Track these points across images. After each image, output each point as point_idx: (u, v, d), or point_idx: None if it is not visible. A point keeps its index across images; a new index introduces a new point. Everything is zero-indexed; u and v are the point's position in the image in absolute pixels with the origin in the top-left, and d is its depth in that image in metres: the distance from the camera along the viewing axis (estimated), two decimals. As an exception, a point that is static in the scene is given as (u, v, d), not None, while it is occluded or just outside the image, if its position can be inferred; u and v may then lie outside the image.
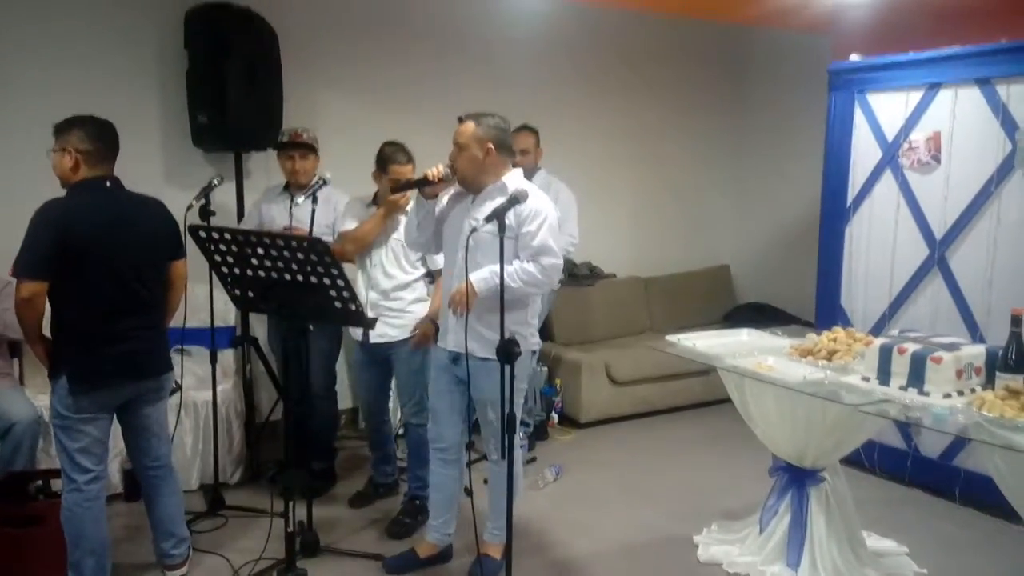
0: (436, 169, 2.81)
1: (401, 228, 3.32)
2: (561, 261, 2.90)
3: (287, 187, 3.79)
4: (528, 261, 2.78)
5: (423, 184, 2.84)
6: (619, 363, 4.91)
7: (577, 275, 5.41)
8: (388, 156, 3.36)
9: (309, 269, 2.37)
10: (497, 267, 2.58)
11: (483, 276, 2.71)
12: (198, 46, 4.07)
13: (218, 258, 2.46)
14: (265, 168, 4.41)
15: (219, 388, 3.72)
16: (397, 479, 3.85)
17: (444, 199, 2.99)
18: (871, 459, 3.97)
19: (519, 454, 3.11)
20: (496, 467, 2.96)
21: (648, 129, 5.81)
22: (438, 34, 4.93)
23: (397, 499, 3.70)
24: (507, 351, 2.51)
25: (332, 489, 3.90)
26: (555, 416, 4.90)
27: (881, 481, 3.96)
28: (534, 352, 3.10)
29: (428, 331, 3.29)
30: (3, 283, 2.70)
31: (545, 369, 4.95)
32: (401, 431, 3.88)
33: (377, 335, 3.39)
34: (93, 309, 2.67)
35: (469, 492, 3.17)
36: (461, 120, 2.87)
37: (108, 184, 2.75)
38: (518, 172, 2.95)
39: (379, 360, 3.52)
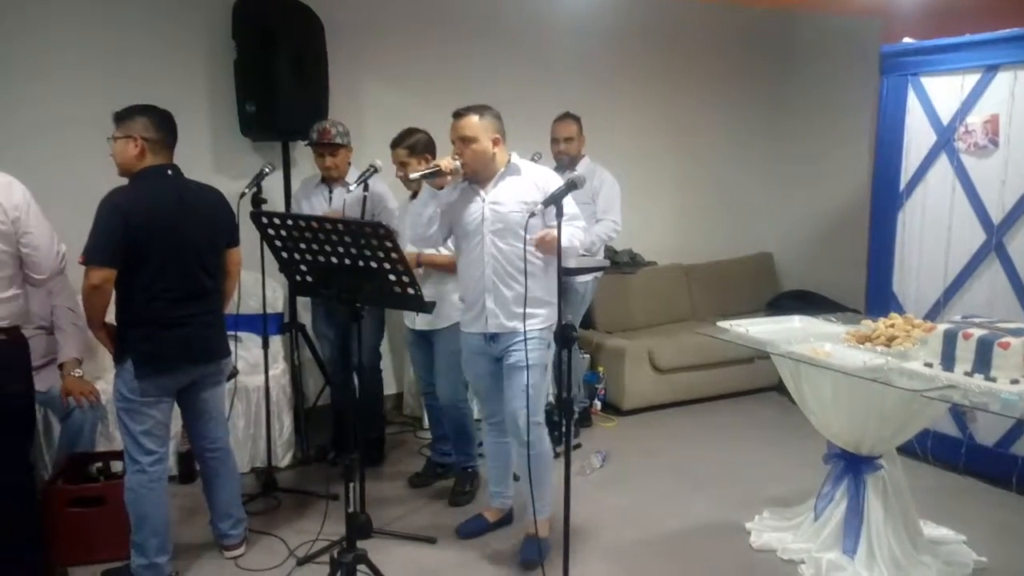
0: (448, 161, 2.87)
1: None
2: (588, 238, 3.13)
3: (324, 179, 3.83)
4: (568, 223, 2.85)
5: (436, 175, 2.89)
6: (662, 350, 4.89)
7: (619, 262, 5.39)
8: (390, 143, 3.48)
9: (369, 254, 2.38)
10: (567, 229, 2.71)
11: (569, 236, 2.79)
12: (246, 36, 4.11)
13: (279, 243, 2.48)
14: (311, 158, 4.40)
15: (270, 373, 3.77)
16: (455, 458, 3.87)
17: (444, 195, 3.03)
18: (924, 447, 3.91)
19: (545, 432, 3.07)
20: (522, 449, 2.96)
21: (691, 116, 5.75)
22: (483, 26, 4.92)
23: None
24: (564, 335, 2.53)
25: (383, 462, 4.04)
26: (598, 403, 4.89)
27: (935, 469, 3.91)
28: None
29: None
30: (53, 274, 2.77)
31: (588, 356, 4.95)
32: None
33: (422, 323, 3.50)
34: (158, 295, 2.72)
35: (517, 478, 3.30)
36: (460, 114, 2.91)
37: (170, 172, 2.80)
38: (516, 155, 3.02)
39: (427, 342, 3.61)
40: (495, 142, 2.92)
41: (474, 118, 2.88)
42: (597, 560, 3.15)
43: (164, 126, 2.79)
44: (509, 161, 2.97)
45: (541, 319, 2.95)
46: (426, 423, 4.18)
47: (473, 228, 2.96)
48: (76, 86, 3.99)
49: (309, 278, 2.58)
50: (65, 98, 3.97)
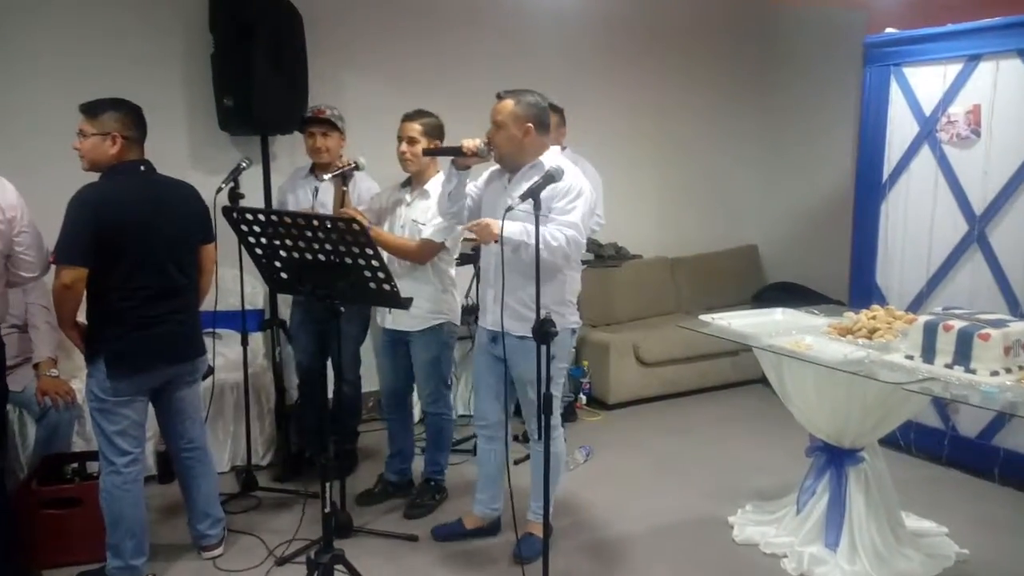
0: (472, 142, 2.80)
1: (424, 214, 3.27)
2: (584, 240, 2.86)
3: (312, 169, 3.75)
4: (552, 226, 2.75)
5: (456, 153, 2.83)
6: (647, 344, 4.87)
7: (603, 256, 5.35)
8: (404, 115, 3.33)
9: (343, 249, 2.35)
10: (528, 226, 2.53)
11: (515, 228, 2.62)
12: (223, 29, 4.03)
13: (252, 240, 2.45)
14: (291, 151, 4.38)
15: (249, 371, 3.73)
16: (411, 477, 3.65)
17: (482, 177, 2.97)
18: (907, 439, 3.91)
19: (560, 434, 3.11)
20: (538, 447, 2.94)
21: (675, 106, 5.72)
22: (465, 16, 4.86)
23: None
24: (543, 331, 2.49)
25: (355, 470, 3.90)
26: (583, 397, 4.88)
27: (918, 461, 3.91)
28: (574, 331, 3.06)
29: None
30: (42, 274, 2.73)
31: (573, 350, 4.92)
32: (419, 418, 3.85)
33: (394, 322, 3.36)
34: (130, 293, 2.68)
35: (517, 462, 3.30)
36: (500, 97, 2.84)
37: (143, 168, 2.75)
38: (556, 150, 2.93)
39: (400, 343, 3.43)
40: (526, 132, 2.80)
41: (509, 103, 2.80)
42: (579, 555, 3.13)
43: (140, 122, 2.74)
44: (540, 157, 2.84)
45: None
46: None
47: (495, 218, 2.82)
48: (47, 81, 3.91)
49: (284, 275, 2.54)
50: (35, 93, 3.89)
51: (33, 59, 3.91)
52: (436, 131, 3.33)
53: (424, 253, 3.26)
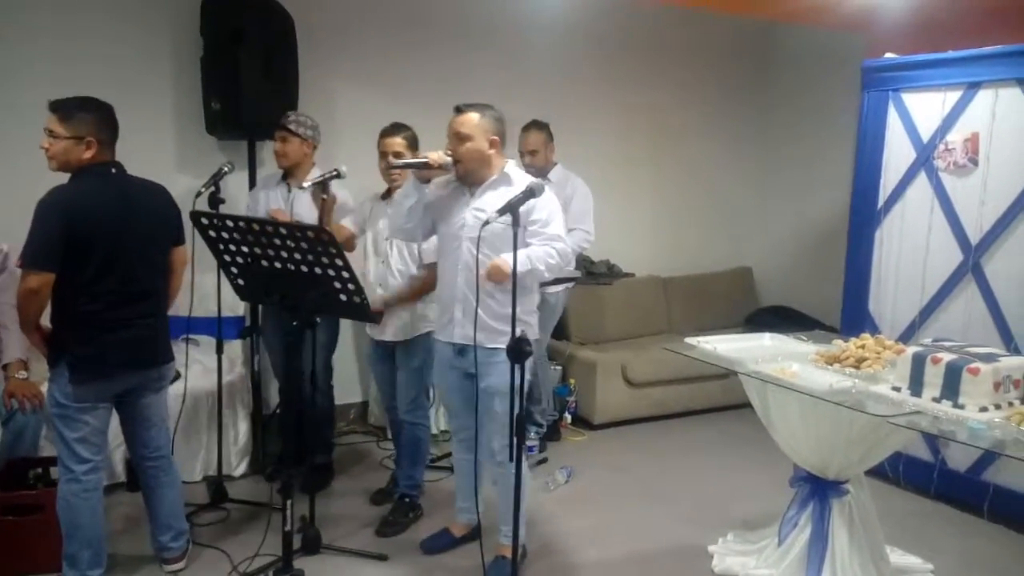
0: (438, 155, 2.76)
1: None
2: (569, 248, 2.91)
3: (285, 177, 3.68)
4: (544, 243, 2.77)
5: (422, 166, 2.78)
6: (636, 364, 4.79)
7: (595, 273, 5.29)
8: (383, 131, 3.32)
9: (312, 259, 2.28)
10: (528, 251, 2.65)
11: (520, 260, 2.61)
12: (214, 32, 3.99)
13: (220, 246, 2.38)
14: (278, 157, 4.33)
15: (226, 379, 3.65)
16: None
17: (433, 189, 2.92)
18: (896, 470, 3.82)
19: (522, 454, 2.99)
20: (502, 468, 2.85)
21: (671, 125, 5.67)
22: (457, 26, 4.83)
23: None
24: (518, 350, 2.42)
25: (330, 485, 3.81)
26: (568, 416, 4.79)
27: (905, 494, 3.82)
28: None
29: (376, 303, 3.19)
30: None
31: (559, 368, 4.84)
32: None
33: (382, 332, 3.36)
34: (96, 297, 2.61)
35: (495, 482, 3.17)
36: (461, 110, 2.81)
37: (113, 170, 2.68)
38: (513, 163, 2.91)
39: (389, 355, 3.46)
40: (492, 144, 2.81)
41: (474, 116, 2.78)
42: (552, 582, 3.04)
43: (113, 123, 2.68)
44: (504, 169, 2.86)
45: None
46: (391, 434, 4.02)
47: (455, 231, 2.85)
48: (33, 79, 3.85)
49: (251, 283, 2.47)
50: (20, 92, 3.82)
51: (19, 57, 3.86)
52: (415, 143, 3.34)
53: (433, 281, 3.20)
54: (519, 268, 2.57)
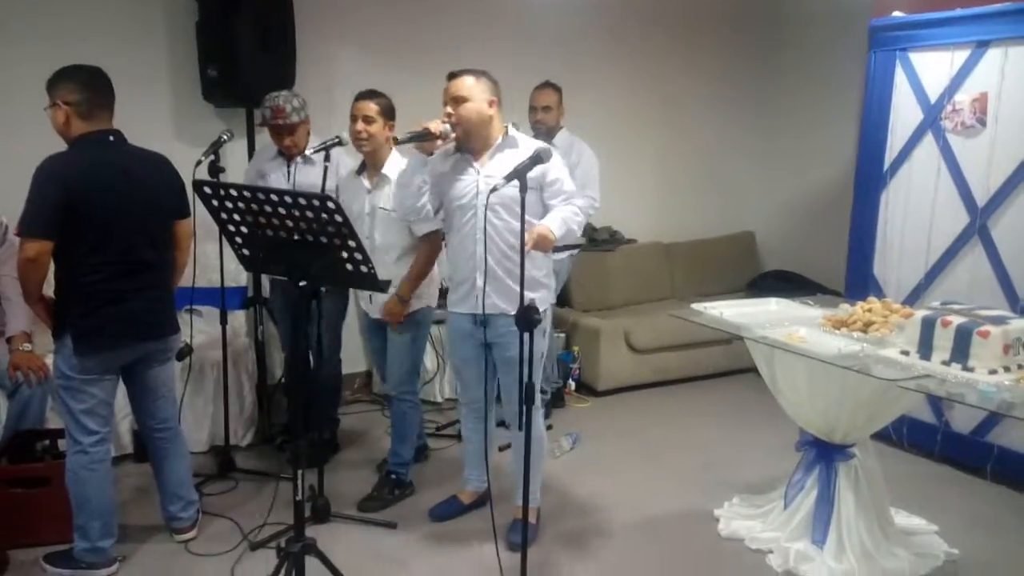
0: (436, 124, 2.73)
1: (391, 200, 3.14)
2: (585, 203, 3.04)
3: (281, 151, 3.59)
4: (567, 203, 2.81)
5: (424, 136, 2.74)
6: (639, 330, 4.78)
7: (597, 240, 5.26)
8: (357, 95, 3.20)
9: (318, 228, 2.24)
10: (560, 214, 2.72)
11: (556, 223, 2.71)
12: (208, -3, 3.92)
13: (224, 216, 2.34)
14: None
15: (230, 349, 3.63)
16: (425, 442, 3.81)
17: (434, 163, 2.87)
18: (899, 433, 3.84)
19: (540, 421, 3.03)
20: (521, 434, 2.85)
21: (674, 90, 5.59)
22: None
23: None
24: (527, 318, 2.40)
25: (335, 456, 3.81)
26: (572, 383, 4.80)
27: (909, 456, 3.84)
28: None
29: (394, 309, 3.18)
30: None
31: (563, 335, 4.84)
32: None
33: (375, 309, 3.30)
34: (99, 267, 2.58)
35: (502, 448, 3.43)
36: (455, 75, 2.77)
37: (111, 138, 2.64)
38: (512, 128, 2.87)
39: (381, 330, 3.40)
40: (491, 103, 2.78)
41: (469, 79, 2.75)
42: (559, 545, 3.06)
43: (92, 86, 2.59)
44: (507, 133, 2.84)
45: (536, 302, 2.72)
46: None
47: (466, 202, 2.82)
48: (25, 48, 3.77)
49: (258, 253, 2.44)
50: (14, 61, 3.75)
51: (11, 25, 3.77)
52: (391, 113, 3.22)
53: (433, 252, 3.20)
54: (557, 232, 2.68)
